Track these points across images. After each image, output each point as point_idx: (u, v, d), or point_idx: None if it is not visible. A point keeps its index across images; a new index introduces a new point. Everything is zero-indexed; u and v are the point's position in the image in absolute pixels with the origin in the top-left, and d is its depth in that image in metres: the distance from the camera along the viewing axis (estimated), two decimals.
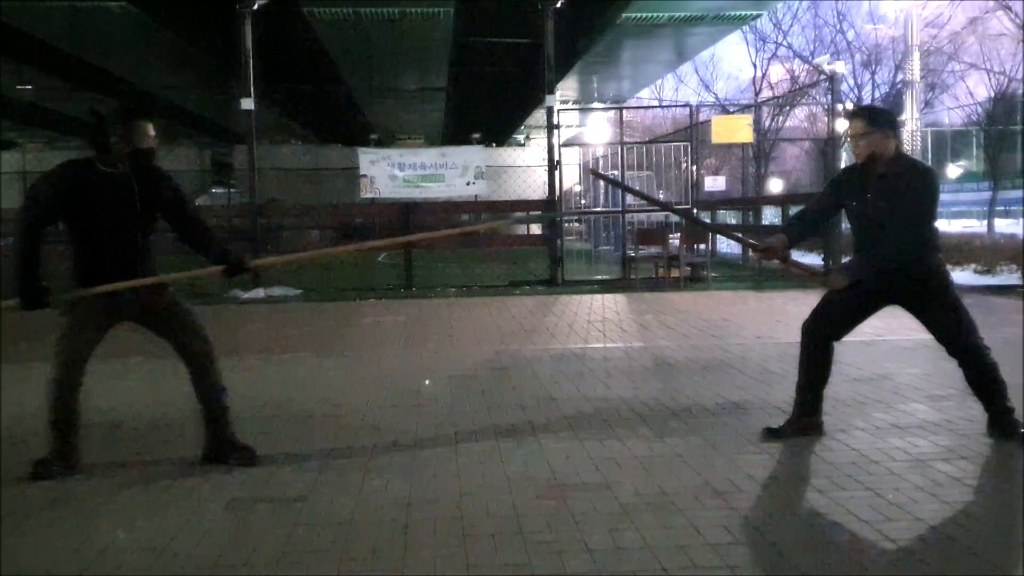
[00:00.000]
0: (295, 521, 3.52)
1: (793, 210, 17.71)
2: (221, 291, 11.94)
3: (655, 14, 20.25)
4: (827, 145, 14.59)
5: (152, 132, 4.12)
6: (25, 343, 7.41)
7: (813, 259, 14.76)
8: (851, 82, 23.41)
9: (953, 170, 44.78)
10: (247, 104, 13.02)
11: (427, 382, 5.33)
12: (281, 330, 9.02)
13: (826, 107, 15.20)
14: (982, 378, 4.45)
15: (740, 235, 5.84)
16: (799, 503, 3.63)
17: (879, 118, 4.41)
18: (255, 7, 12.88)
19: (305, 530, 3.44)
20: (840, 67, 15.21)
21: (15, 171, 30.72)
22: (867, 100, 23.61)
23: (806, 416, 4.58)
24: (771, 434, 4.55)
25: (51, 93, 28.92)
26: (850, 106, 21.31)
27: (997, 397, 4.45)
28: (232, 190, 36.16)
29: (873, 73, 24.00)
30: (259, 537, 3.37)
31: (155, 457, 4.44)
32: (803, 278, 4.73)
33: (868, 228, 4.39)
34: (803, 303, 10.41)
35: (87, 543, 3.35)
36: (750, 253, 4.76)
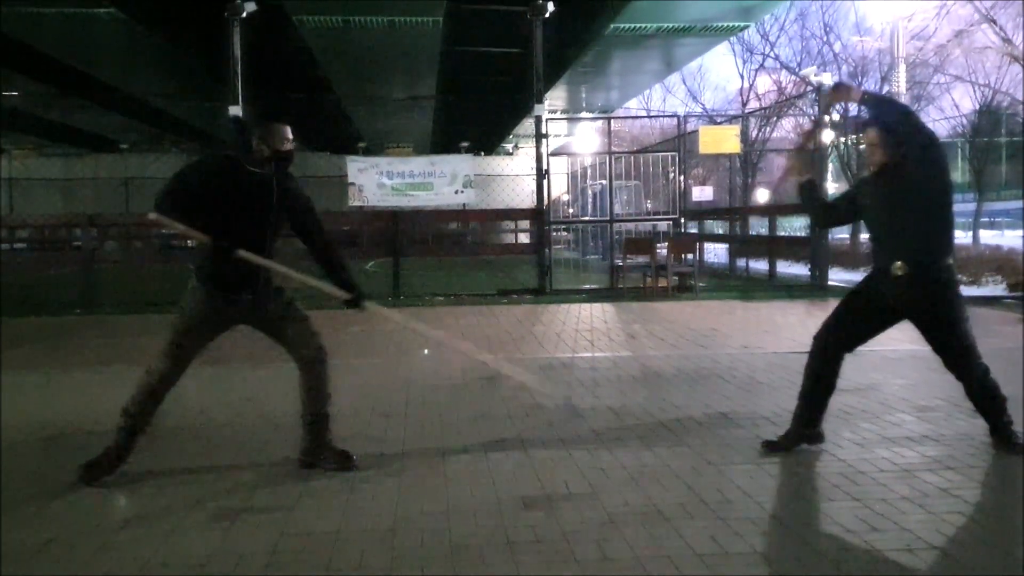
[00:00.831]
0: (281, 531, 3.50)
1: (780, 220, 17.81)
2: None
3: (643, 25, 20.35)
4: (813, 156, 14.64)
5: (290, 136, 4.21)
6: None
7: (800, 269, 14.85)
8: None
9: None
10: (235, 111, 12.98)
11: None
12: (267, 338, 8.97)
13: (812, 118, 15.28)
14: (978, 396, 4.43)
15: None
16: (786, 514, 3.63)
17: (889, 129, 4.29)
18: (244, 15, 12.85)
19: (291, 540, 3.42)
20: (827, 78, 15.26)
21: (3, 177, 30.59)
22: (854, 111, 23.78)
23: (808, 427, 4.55)
24: (771, 448, 4.50)
25: (38, 99, 28.81)
26: (836, 117, 21.45)
27: (993, 416, 4.43)
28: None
29: (860, 85, 24.18)
30: (245, 547, 3.35)
31: (140, 467, 4.40)
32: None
33: (883, 222, 4.36)
34: (790, 313, 10.48)
35: (72, 553, 3.33)
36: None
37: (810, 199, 4.79)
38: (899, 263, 4.25)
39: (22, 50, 22.20)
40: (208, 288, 4.15)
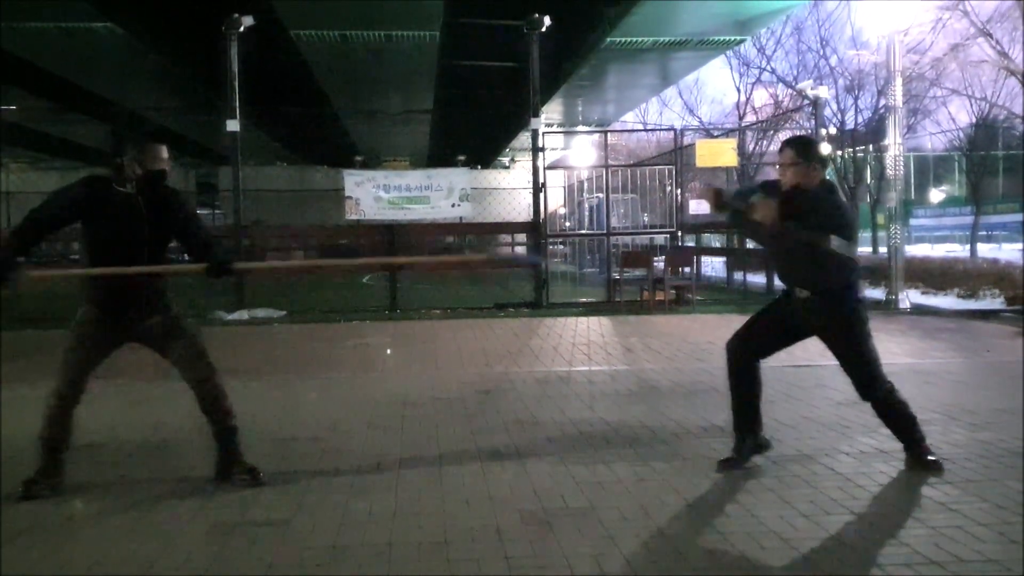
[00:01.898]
0: (278, 544, 3.49)
1: None
2: (204, 312, 11.87)
3: (639, 39, 20.44)
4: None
5: (165, 155, 4.23)
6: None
7: (759, 279, 14.89)
8: (834, 107, 23.66)
9: (936, 195, 45.19)
10: (233, 125, 12.99)
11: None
12: (265, 352, 8.98)
13: (810, 131, 15.31)
14: (893, 420, 4.46)
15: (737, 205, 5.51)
16: (784, 527, 3.61)
17: (808, 151, 4.39)
18: (241, 29, 12.88)
19: (288, 553, 3.40)
20: (823, 92, 15.30)
21: None
22: (850, 125, 23.85)
23: (750, 436, 4.53)
24: (726, 464, 4.46)
25: (35, 113, 28.84)
26: (833, 131, 21.54)
27: (904, 434, 4.46)
28: (217, 211, 36.06)
29: (856, 98, 24.23)
30: (242, 561, 3.34)
31: (138, 480, 4.39)
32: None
33: (794, 257, 4.38)
34: None
35: (69, 565, 3.31)
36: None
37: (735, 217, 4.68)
38: (803, 290, 4.38)
39: (20, 64, 22.25)
40: (94, 307, 4.22)
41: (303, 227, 22.42)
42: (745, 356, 4.52)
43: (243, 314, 12.11)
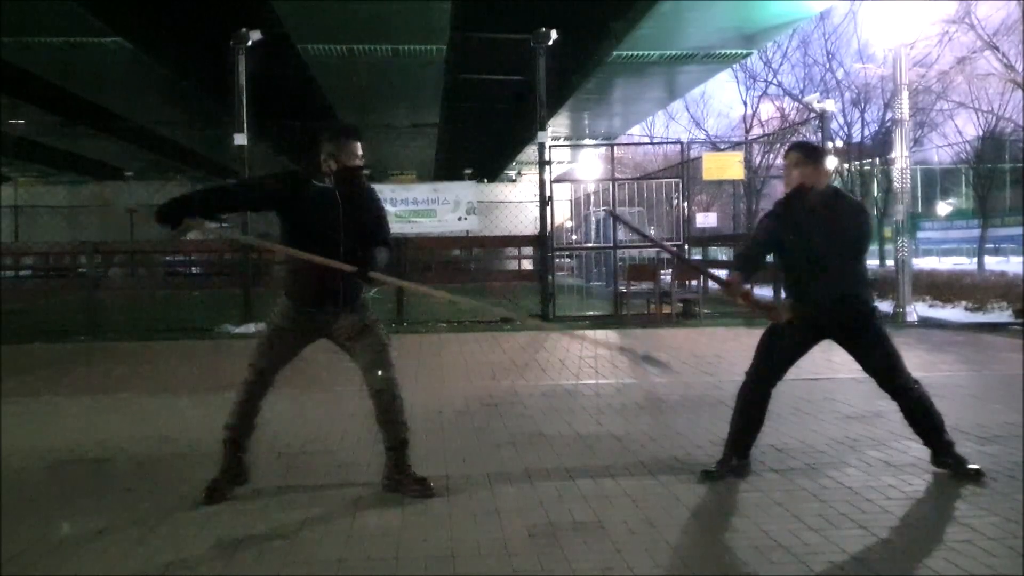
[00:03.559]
0: (284, 559, 3.48)
1: None
2: (212, 325, 11.89)
3: (646, 52, 20.45)
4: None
5: (360, 152, 4.27)
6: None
7: (766, 292, 14.82)
8: (841, 120, 23.69)
9: (943, 208, 45.10)
10: (240, 139, 13.04)
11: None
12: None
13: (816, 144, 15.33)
14: (916, 413, 4.53)
15: (712, 272, 5.70)
16: (793, 541, 3.59)
17: (812, 153, 4.51)
18: (249, 43, 12.94)
19: (294, 568, 3.39)
20: (830, 105, 15.31)
21: (8, 205, 30.74)
22: (857, 138, 23.88)
23: (739, 457, 4.56)
24: (706, 477, 4.48)
25: (44, 128, 28.99)
26: (840, 144, 21.54)
27: (934, 432, 4.53)
28: (224, 225, 36.10)
29: (862, 111, 24.30)
30: (249, 574, 3.33)
31: (144, 493, 4.38)
32: (759, 314, 4.75)
33: (802, 264, 4.42)
34: None
35: None
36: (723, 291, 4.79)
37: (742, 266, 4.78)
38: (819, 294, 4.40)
39: (28, 79, 22.38)
40: (292, 302, 4.28)
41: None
42: (763, 384, 4.54)
43: (250, 327, 12.12)
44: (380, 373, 4.34)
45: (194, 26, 18.47)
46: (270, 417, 6.19)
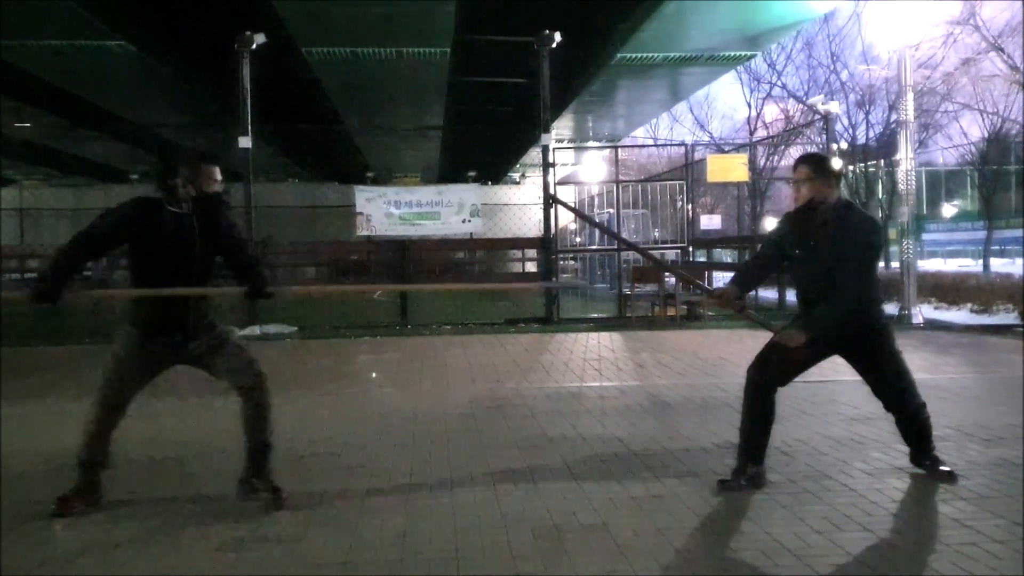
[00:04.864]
0: (290, 562, 3.48)
1: None
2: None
3: (650, 54, 20.47)
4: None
5: (218, 176, 4.20)
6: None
7: (771, 294, 14.82)
8: (845, 122, 23.66)
9: (948, 209, 45.03)
10: (244, 142, 13.05)
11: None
12: (276, 368, 8.96)
13: (821, 146, 15.31)
14: (912, 430, 4.55)
15: (698, 281, 5.70)
16: (798, 544, 3.58)
17: (823, 166, 4.42)
18: (253, 46, 12.96)
19: (300, 571, 3.39)
20: (834, 107, 15.29)
21: (12, 208, 30.76)
22: (861, 140, 23.84)
23: (753, 464, 4.46)
24: (723, 487, 4.39)
25: (49, 131, 29.05)
26: (844, 145, 21.51)
27: (922, 441, 4.57)
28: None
29: (867, 113, 24.26)
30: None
31: (148, 496, 4.39)
32: (760, 326, 4.75)
33: (814, 278, 4.37)
34: None
35: None
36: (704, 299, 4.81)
37: (738, 281, 4.77)
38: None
39: (33, 82, 22.43)
40: (137, 330, 4.16)
41: (314, 243, 22.47)
42: (766, 384, 4.48)
43: (255, 330, 12.14)
44: (249, 370, 4.26)
45: (198, 29, 18.51)
46: (275, 421, 6.20)
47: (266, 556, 3.55)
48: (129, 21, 17.98)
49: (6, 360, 9.58)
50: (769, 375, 4.47)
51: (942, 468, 4.50)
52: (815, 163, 4.44)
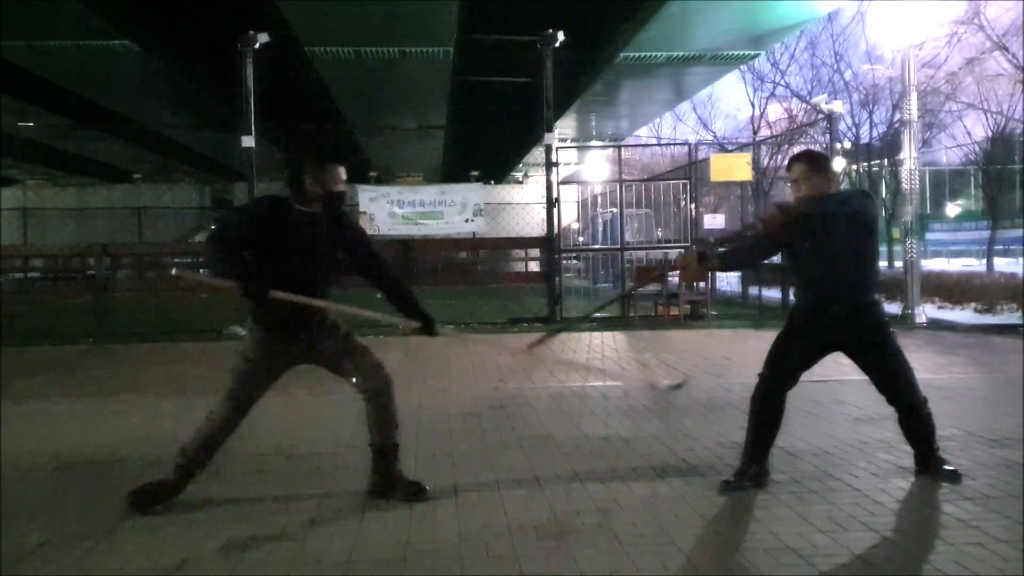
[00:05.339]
0: (292, 561, 3.48)
1: None
2: (219, 328, 11.89)
3: (653, 54, 20.45)
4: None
5: (344, 176, 4.22)
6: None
7: (774, 294, 14.79)
8: (849, 121, 23.62)
9: (952, 209, 44.95)
10: (248, 141, 13.05)
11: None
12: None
13: (824, 146, 15.29)
14: (915, 427, 4.51)
15: (659, 272, 5.48)
16: (803, 545, 3.57)
17: (816, 161, 4.44)
18: (257, 46, 12.96)
19: (302, 571, 3.39)
20: (838, 106, 15.26)
21: (17, 207, 30.84)
22: (865, 139, 23.80)
23: (756, 463, 4.43)
24: (726, 487, 4.35)
25: (52, 130, 29.09)
26: (848, 145, 21.47)
27: (925, 443, 4.52)
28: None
29: (871, 112, 24.21)
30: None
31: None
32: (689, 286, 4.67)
33: (822, 274, 4.33)
34: None
35: None
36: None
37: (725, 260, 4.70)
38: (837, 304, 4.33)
39: (38, 82, 22.47)
40: (264, 330, 4.16)
41: None
42: (778, 387, 4.45)
43: None
44: (375, 373, 4.29)
45: (202, 28, 18.51)
46: (277, 421, 6.20)
47: (269, 554, 3.55)
48: (133, 21, 18.00)
49: (11, 359, 9.60)
50: (781, 375, 4.44)
51: (946, 468, 4.48)
52: (809, 159, 4.45)
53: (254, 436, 5.58)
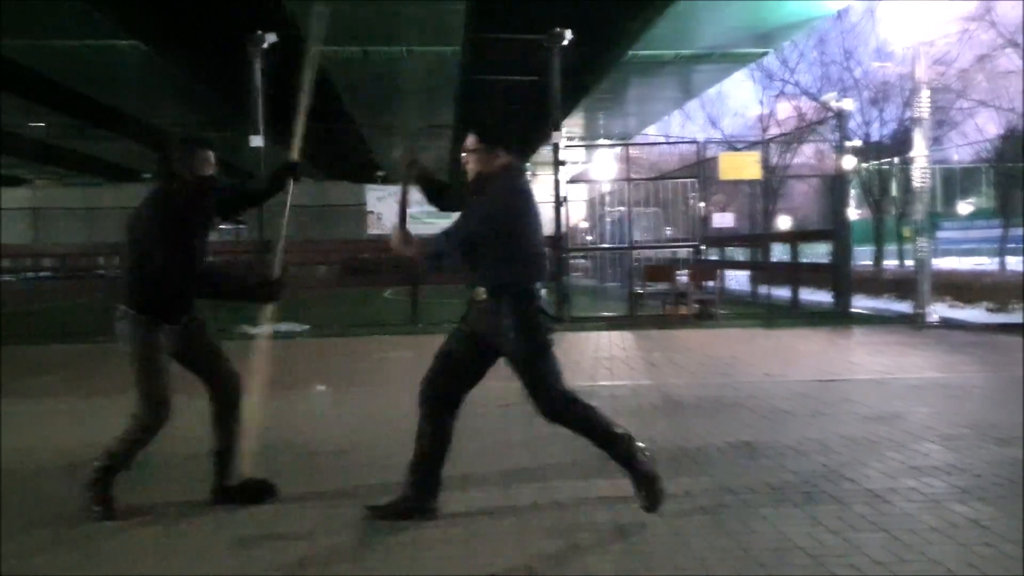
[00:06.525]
0: (302, 559, 3.48)
1: (802, 246, 17.67)
2: (229, 326, 11.88)
3: (661, 52, 20.41)
4: (835, 182, 14.57)
5: (212, 160, 4.23)
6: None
7: (823, 296, 14.71)
8: (859, 119, 23.48)
9: (963, 207, 44.72)
10: (256, 141, 13.07)
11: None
12: (289, 366, 8.95)
13: (834, 144, 15.20)
14: (593, 434, 4.01)
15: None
16: (812, 544, 3.54)
17: (487, 134, 4.05)
18: (265, 46, 12.96)
19: (314, 568, 3.39)
20: (848, 104, 15.18)
21: (26, 207, 30.96)
22: (875, 137, 23.67)
23: (424, 494, 3.96)
24: (374, 512, 3.96)
25: (61, 131, 29.19)
26: (858, 143, 21.35)
27: (623, 454, 3.95)
28: (241, 226, 36.27)
29: (881, 110, 24.08)
30: (267, 574, 3.32)
31: (161, 496, 4.37)
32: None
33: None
34: (812, 340, 10.37)
35: None
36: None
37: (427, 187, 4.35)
38: (480, 289, 3.93)
39: (45, 82, 22.56)
40: (148, 316, 4.06)
41: (325, 241, 22.52)
42: (440, 403, 4.05)
43: (267, 328, 12.12)
44: (230, 376, 4.32)
45: (209, 28, 18.53)
46: (287, 419, 6.19)
47: (277, 554, 3.54)
48: (140, 21, 18.04)
49: (22, 357, 9.62)
50: (445, 391, 4.08)
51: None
52: (480, 131, 4.07)
53: (262, 434, 5.56)
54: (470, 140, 4.04)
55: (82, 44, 18.69)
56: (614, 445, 3.95)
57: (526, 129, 26.34)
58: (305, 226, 25.16)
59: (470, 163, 4.06)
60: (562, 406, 4.01)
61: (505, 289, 3.87)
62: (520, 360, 3.95)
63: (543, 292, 4.00)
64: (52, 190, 37.38)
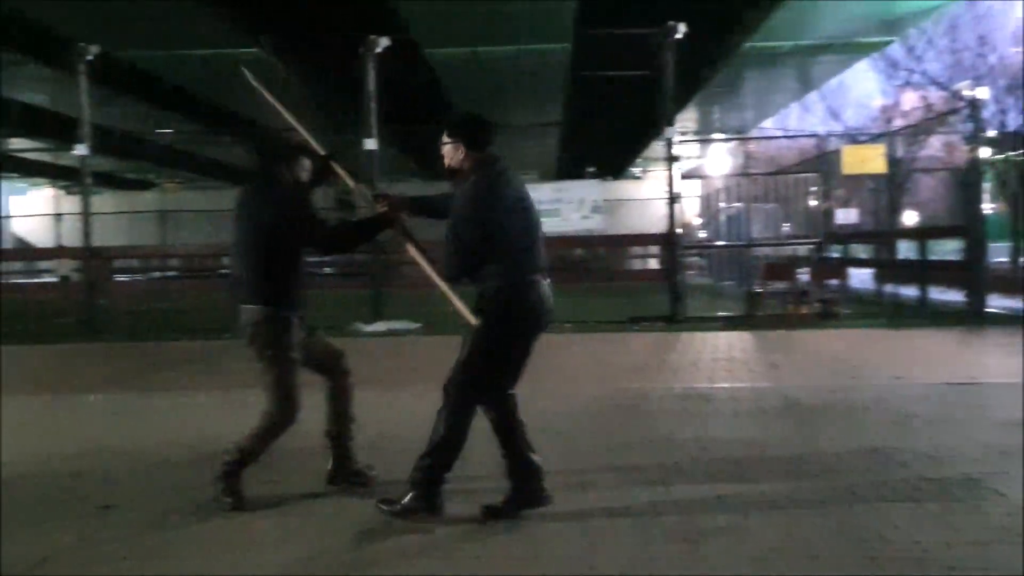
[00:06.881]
0: (422, 548, 3.52)
1: (931, 243, 16.88)
2: (343, 324, 12.10)
3: (779, 43, 19.84)
4: (968, 174, 13.84)
5: (308, 167, 4.61)
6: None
7: (955, 295, 14.01)
8: (993, 108, 22.31)
9: None
10: (370, 144, 13.27)
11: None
12: (400, 363, 9.02)
13: (966, 135, 14.42)
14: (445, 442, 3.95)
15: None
16: (948, 556, 3.32)
17: (456, 128, 4.06)
18: (378, 50, 13.16)
19: (438, 555, 3.40)
20: (983, 92, 14.36)
21: (154, 210, 32.38)
22: (1011, 126, 22.46)
23: (530, 484, 3.98)
24: (490, 513, 3.93)
25: (187, 136, 30.42)
26: (993, 134, 20.30)
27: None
28: None
29: (1019, 98, 22.83)
30: (386, 566, 3.38)
31: (283, 485, 4.46)
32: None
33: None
34: (944, 342, 9.85)
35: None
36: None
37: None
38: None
39: (175, 92, 23.60)
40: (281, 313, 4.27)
41: (437, 242, 22.76)
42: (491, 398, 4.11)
43: (380, 326, 12.31)
44: (341, 364, 4.55)
45: (325, 35, 18.98)
46: (398, 416, 6.21)
47: (396, 545, 3.54)
48: (263, 30, 18.65)
49: (151, 353, 10.01)
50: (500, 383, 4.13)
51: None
52: (449, 126, 4.13)
53: (371, 429, 5.59)
54: (443, 133, 4.07)
55: (211, 54, 19.44)
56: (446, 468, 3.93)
57: (637, 124, 26.08)
58: (417, 225, 25.51)
59: (444, 159, 4.12)
60: (457, 396, 3.94)
61: (488, 289, 3.93)
62: (468, 340, 3.98)
63: (544, 285, 4.09)
64: (180, 194, 38.99)
